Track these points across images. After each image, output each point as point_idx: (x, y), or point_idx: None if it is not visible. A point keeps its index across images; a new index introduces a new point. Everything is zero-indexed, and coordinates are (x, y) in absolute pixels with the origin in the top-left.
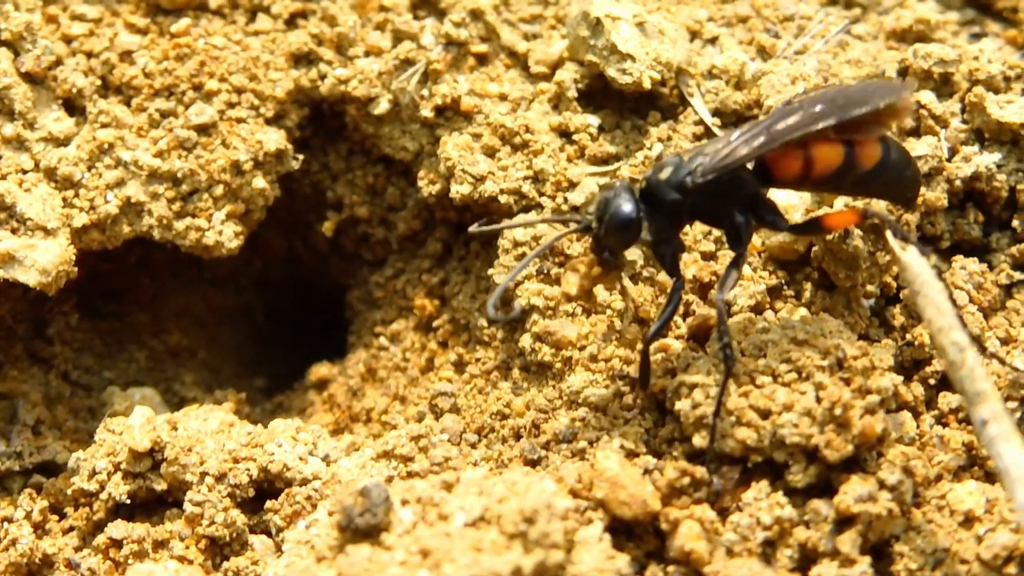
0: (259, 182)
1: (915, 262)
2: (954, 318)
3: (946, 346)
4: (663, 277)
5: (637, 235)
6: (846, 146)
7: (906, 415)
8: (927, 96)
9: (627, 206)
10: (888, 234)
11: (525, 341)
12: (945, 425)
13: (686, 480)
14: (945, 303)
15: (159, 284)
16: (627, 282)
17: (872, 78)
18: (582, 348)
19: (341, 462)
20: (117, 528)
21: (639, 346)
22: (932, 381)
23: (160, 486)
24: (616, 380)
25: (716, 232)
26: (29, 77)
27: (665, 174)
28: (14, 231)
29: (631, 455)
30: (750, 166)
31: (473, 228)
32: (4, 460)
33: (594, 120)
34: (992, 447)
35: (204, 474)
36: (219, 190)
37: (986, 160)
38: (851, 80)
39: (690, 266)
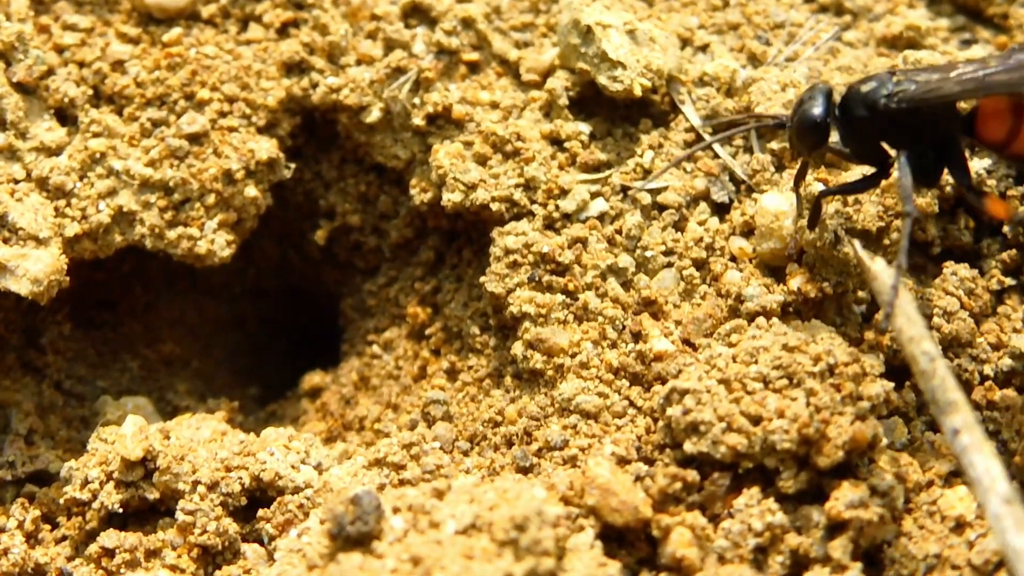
0: (251, 191)
1: (883, 272)
2: (924, 328)
3: (917, 356)
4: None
5: (823, 140)
6: None
7: (897, 421)
8: None
9: (816, 109)
10: (855, 243)
11: (517, 349)
12: (936, 431)
13: (678, 486)
14: (915, 313)
15: (152, 293)
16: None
17: None
18: (574, 355)
19: (333, 470)
20: (109, 537)
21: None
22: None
23: (152, 495)
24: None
25: (706, 240)
26: (21, 87)
27: (867, 88)
28: (6, 241)
29: (622, 462)
30: (966, 105)
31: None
32: None
33: (585, 128)
34: (964, 457)
35: (196, 483)
36: (211, 199)
37: (976, 166)
38: (841, 87)
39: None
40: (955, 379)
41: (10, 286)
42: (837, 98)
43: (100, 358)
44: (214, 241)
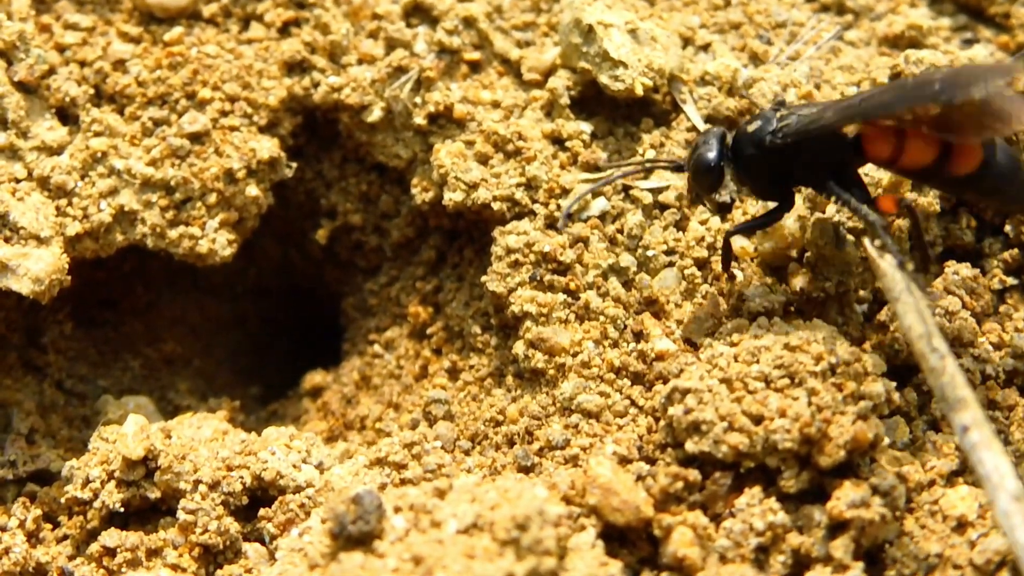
0: (252, 190)
1: (892, 270)
2: (933, 325)
3: (926, 352)
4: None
5: (718, 182)
6: (942, 147)
7: (899, 420)
8: None
9: (710, 154)
10: (866, 241)
11: (518, 348)
12: (938, 430)
13: (679, 486)
14: (924, 310)
15: (153, 292)
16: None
17: (971, 66)
18: (575, 355)
19: (334, 469)
20: (111, 536)
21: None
22: (925, 387)
23: (154, 494)
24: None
25: (708, 239)
26: (22, 86)
27: (752, 127)
28: (7, 240)
29: (624, 461)
30: (852, 128)
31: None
32: None
33: (587, 127)
34: (973, 453)
35: (198, 482)
36: (212, 198)
37: None
38: (842, 86)
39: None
40: (963, 376)
41: (11, 285)
42: (730, 140)
43: (101, 357)
44: (215, 240)
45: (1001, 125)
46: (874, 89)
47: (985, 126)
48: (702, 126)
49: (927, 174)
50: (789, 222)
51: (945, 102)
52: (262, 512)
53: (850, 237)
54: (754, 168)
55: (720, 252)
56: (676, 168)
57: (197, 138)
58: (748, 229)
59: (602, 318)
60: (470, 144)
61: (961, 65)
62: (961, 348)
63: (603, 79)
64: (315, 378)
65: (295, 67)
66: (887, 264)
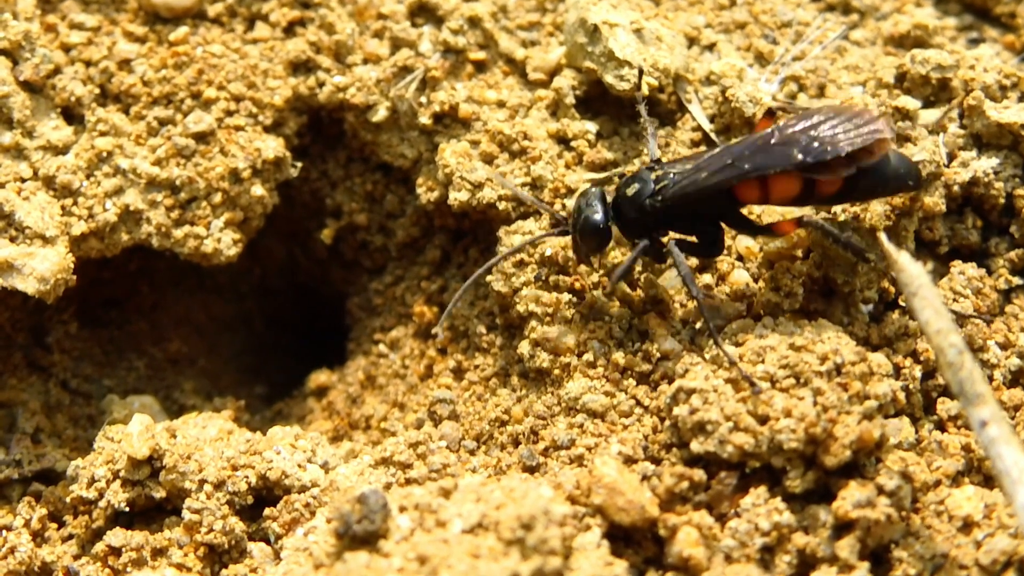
0: (257, 190)
1: (911, 265)
2: (951, 321)
3: (945, 348)
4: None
5: (606, 242)
6: (806, 180)
7: (904, 420)
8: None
9: (596, 216)
10: (883, 237)
11: (523, 348)
12: (944, 430)
13: (684, 486)
14: (941, 306)
15: (158, 292)
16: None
17: (849, 111)
18: (580, 354)
19: (339, 469)
20: (116, 536)
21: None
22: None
23: (159, 494)
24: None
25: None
26: (28, 85)
27: (631, 191)
28: (12, 239)
29: (629, 461)
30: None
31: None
32: (3, 468)
33: (592, 126)
34: (992, 448)
35: (203, 482)
36: (217, 198)
37: (984, 165)
38: (847, 86)
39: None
40: (981, 372)
41: (17, 285)
42: (629, 190)
43: (106, 357)
44: (220, 240)
45: (866, 157)
46: (736, 146)
47: (848, 164)
48: (707, 126)
49: (799, 201)
50: None
51: (806, 168)
52: (267, 512)
53: (855, 237)
54: (637, 229)
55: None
56: (562, 233)
57: (202, 138)
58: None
59: (607, 318)
60: (475, 144)
61: (827, 117)
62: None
63: (608, 79)
64: (320, 378)
65: (300, 67)
66: (905, 259)
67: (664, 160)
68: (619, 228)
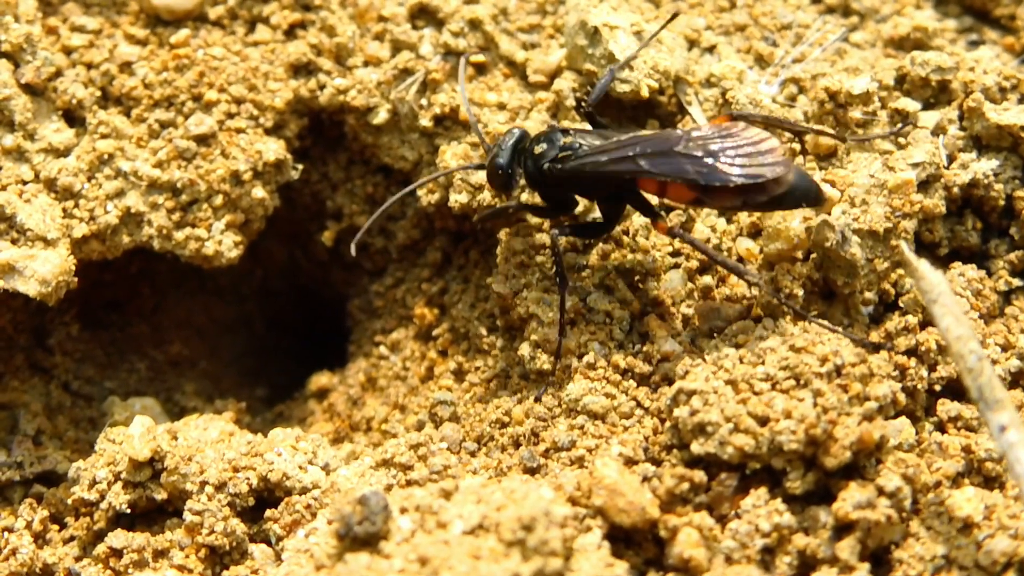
0: (259, 192)
1: (931, 273)
2: (970, 328)
3: (965, 354)
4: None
5: (511, 185)
6: (702, 196)
7: (905, 422)
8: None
9: (501, 159)
10: (903, 246)
11: (524, 350)
12: (944, 432)
13: (685, 487)
14: (961, 313)
15: (160, 294)
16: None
17: (759, 143)
18: (581, 356)
19: (340, 471)
20: (117, 537)
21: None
22: (937, 388)
23: (160, 495)
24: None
25: (714, 240)
26: (29, 88)
27: (538, 149)
28: (14, 242)
29: (630, 462)
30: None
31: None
32: (5, 470)
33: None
34: (1011, 452)
35: (204, 483)
36: (219, 200)
37: (984, 167)
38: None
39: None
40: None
41: (18, 287)
42: (538, 148)
43: (108, 359)
44: (222, 242)
45: (757, 193)
46: (645, 140)
47: (736, 197)
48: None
49: (695, 204)
50: (795, 224)
51: (700, 185)
52: (268, 513)
53: (856, 238)
54: (535, 183)
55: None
56: (479, 167)
57: (203, 140)
58: (576, 234)
59: (608, 320)
60: (476, 146)
61: (735, 143)
62: None
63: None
64: (321, 380)
65: (301, 69)
66: (924, 267)
67: (579, 128)
68: (525, 177)
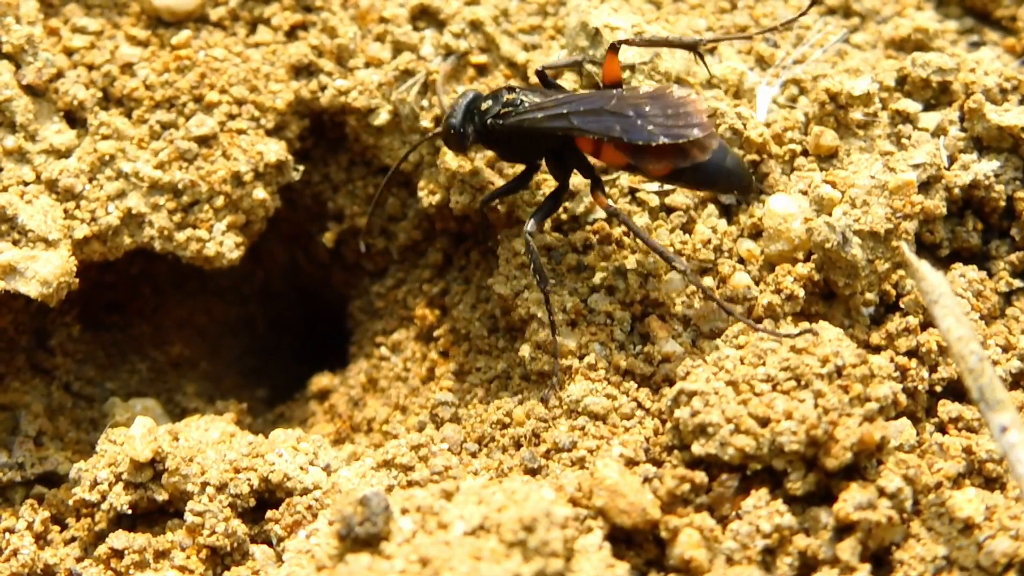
0: (260, 193)
1: (931, 274)
2: (971, 329)
3: (966, 355)
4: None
5: (465, 144)
6: (633, 161)
7: (905, 422)
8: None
9: (453, 119)
10: (904, 247)
11: (525, 351)
12: (945, 433)
13: (686, 488)
14: (962, 314)
15: (161, 295)
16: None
17: (684, 104)
18: (582, 357)
19: (342, 472)
20: (118, 538)
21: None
22: (938, 388)
23: (161, 496)
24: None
25: (714, 241)
26: (30, 89)
27: (484, 106)
28: (15, 243)
29: (631, 463)
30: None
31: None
32: (6, 471)
33: None
34: (1012, 453)
35: (205, 484)
36: (220, 201)
37: (984, 168)
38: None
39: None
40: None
41: (20, 288)
42: (484, 104)
43: (109, 360)
44: (223, 243)
45: (682, 158)
46: (579, 98)
47: (672, 156)
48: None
49: (630, 170)
50: (795, 224)
51: (627, 146)
52: (269, 514)
53: (857, 239)
54: (484, 140)
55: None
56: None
57: (204, 141)
58: (500, 195)
59: (609, 320)
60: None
61: (662, 103)
62: None
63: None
64: (322, 380)
65: (302, 70)
66: (925, 268)
67: (526, 87)
68: (479, 134)
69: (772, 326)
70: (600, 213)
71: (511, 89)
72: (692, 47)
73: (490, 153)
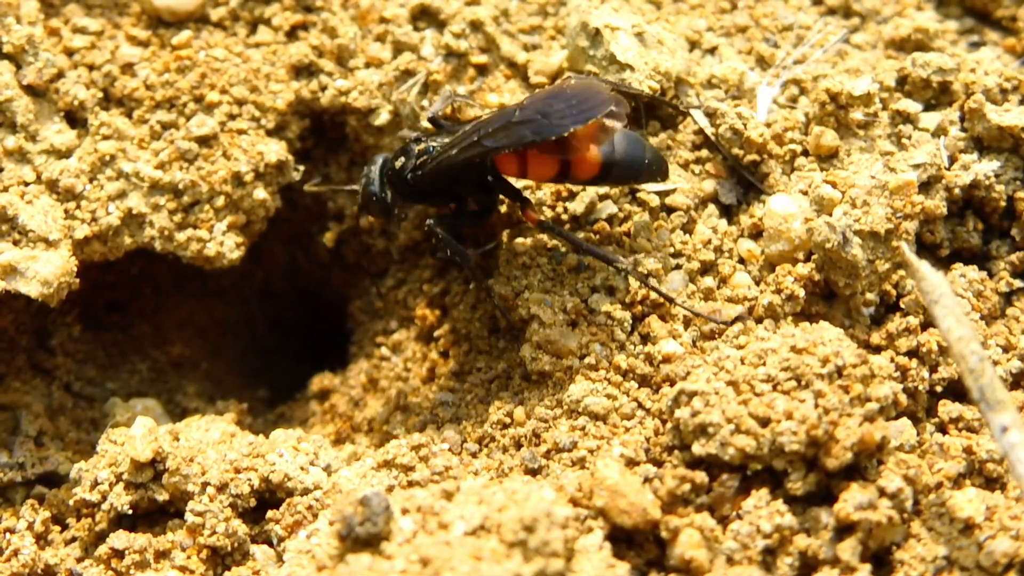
0: (260, 193)
1: (931, 274)
2: (971, 329)
3: (966, 355)
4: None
5: (390, 208)
6: (562, 161)
7: (906, 423)
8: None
9: (372, 187)
10: (904, 247)
11: (526, 351)
12: (945, 433)
13: (686, 488)
14: (962, 314)
15: (161, 295)
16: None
17: (583, 91)
18: (582, 357)
19: (342, 472)
20: (119, 538)
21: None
22: (938, 389)
23: (162, 496)
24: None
25: (715, 241)
26: (31, 90)
27: (398, 164)
28: (16, 243)
29: (631, 463)
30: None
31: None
32: (6, 471)
33: None
34: (1012, 453)
35: (206, 484)
36: (220, 201)
37: (985, 168)
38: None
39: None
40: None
41: (20, 288)
42: (397, 163)
43: (109, 360)
44: (223, 243)
45: (603, 135)
46: (487, 121)
47: (591, 137)
48: (709, 129)
49: (558, 180)
50: (796, 225)
51: (539, 142)
52: (270, 514)
53: (857, 239)
54: (408, 195)
55: (443, 246)
56: (352, 190)
57: (205, 141)
58: (454, 224)
59: (609, 321)
60: None
61: (562, 99)
62: None
63: (610, 82)
64: (323, 381)
65: (303, 70)
66: (925, 268)
67: (429, 132)
68: (401, 193)
69: (773, 326)
70: (601, 213)
71: (417, 140)
72: (637, 96)
73: None
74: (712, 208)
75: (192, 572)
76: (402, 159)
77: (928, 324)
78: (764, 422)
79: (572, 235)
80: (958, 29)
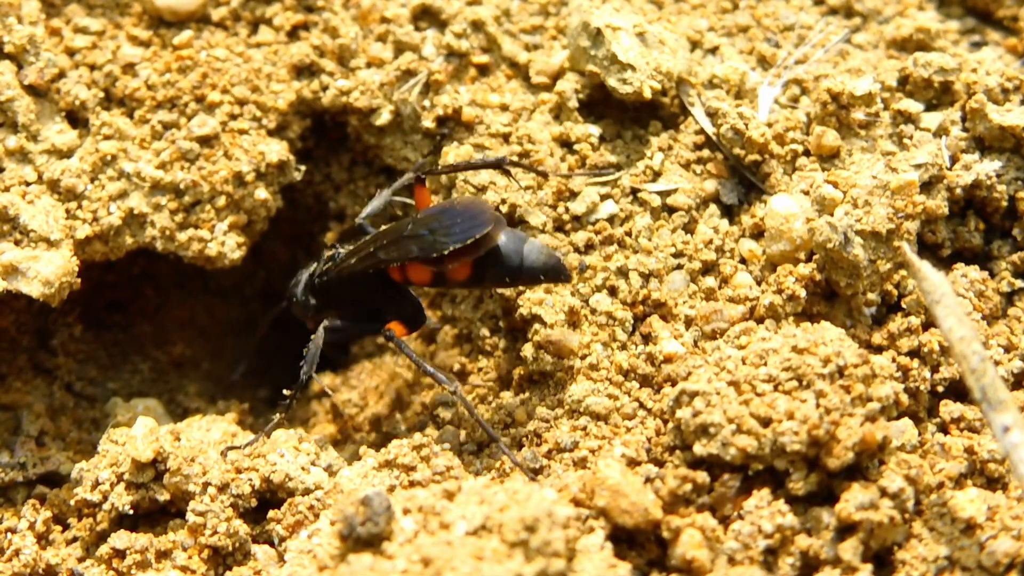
0: (261, 193)
1: (933, 274)
2: (973, 329)
3: (968, 355)
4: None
5: (306, 314)
6: (436, 269)
7: (907, 422)
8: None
9: (296, 289)
10: (905, 247)
11: (527, 351)
12: (947, 433)
13: (688, 488)
14: (964, 314)
15: (163, 295)
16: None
17: (466, 207)
18: (583, 357)
19: (343, 472)
20: (120, 538)
21: None
22: (940, 389)
23: (163, 496)
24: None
25: (716, 241)
26: (32, 89)
27: (310, 270)
28: (17, 243)
29: (633, 463)
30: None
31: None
32: (7, 471)
33: (595, 130)
34: (1014, 453)
35: (207, 484)
36: (221, 201)
37: (986, 168)
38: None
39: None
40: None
41: (21, 288)
42: (312, 268)
43: (111, 360)
44: (224, 243)
45: (474, 251)
46: (383, 233)
47: (468, 252)
48: (710, 129)
49: (436, 284)
50: (797, 225)
51: (424, 259)
52: (271, 514)
53: (859, 239)
54: (322, 301)
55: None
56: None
57: (206, 141)
58: (350, 332)
59: (611, 320)
60: (479, 147)
61: (447, 216)
62: None
63: (611, 82)
64: (324, 381)
65: (304, 70)
66: (927, 268)
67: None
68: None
69: (774, 326)
70: (601, 213)
71: (332, 247)
72: (497, 165)
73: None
74: (713, 208)
75: (193, 572)
76: (314, 264)
77: (930, 324)
78: (765, 422)
79: (411, 352)
80: (960, 29)
